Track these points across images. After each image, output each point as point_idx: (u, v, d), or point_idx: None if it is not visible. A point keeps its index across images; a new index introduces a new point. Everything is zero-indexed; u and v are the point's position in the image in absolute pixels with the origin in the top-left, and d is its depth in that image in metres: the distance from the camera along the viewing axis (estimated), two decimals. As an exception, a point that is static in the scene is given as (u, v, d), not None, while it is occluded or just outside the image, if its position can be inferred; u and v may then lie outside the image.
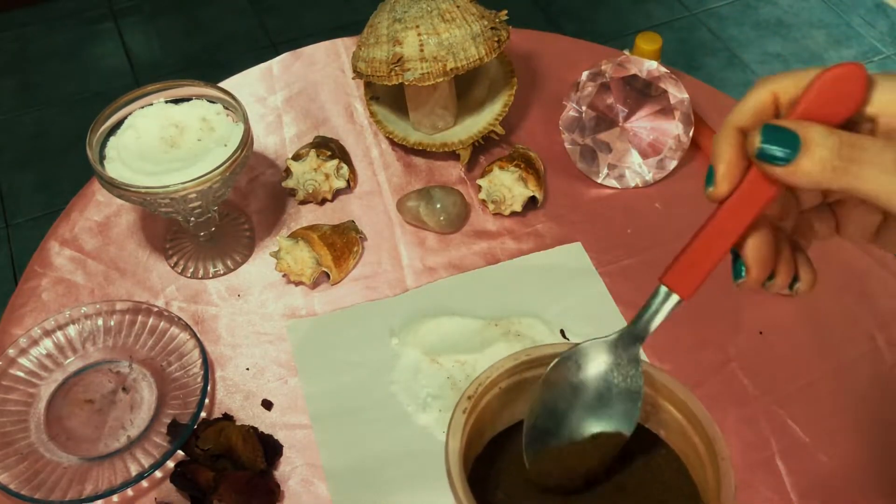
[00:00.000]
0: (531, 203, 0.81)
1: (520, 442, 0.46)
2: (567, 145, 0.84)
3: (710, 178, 0.36)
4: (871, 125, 0.34)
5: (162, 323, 0.70)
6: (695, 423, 0.46)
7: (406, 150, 0.87)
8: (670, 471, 0.48)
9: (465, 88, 0.86)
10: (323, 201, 0.83)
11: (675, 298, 0.39)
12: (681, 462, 0.48)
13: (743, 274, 0.37)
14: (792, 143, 0.32)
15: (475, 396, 0.46)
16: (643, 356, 0.68)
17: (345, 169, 0.82)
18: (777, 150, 0.32)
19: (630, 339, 0.42)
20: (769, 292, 0.38)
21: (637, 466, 0.48)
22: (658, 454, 0.49)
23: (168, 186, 0.65)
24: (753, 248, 0.36)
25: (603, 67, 0.81)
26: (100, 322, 0.71)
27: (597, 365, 0.43)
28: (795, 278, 0.38)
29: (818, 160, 0.32)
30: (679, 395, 0.47)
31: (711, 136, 0.84)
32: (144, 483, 0.63)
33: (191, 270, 0.77)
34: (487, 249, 0.78)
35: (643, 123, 0.82)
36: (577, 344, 0.43)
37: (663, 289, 0.39)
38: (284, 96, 0.94)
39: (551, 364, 0.44)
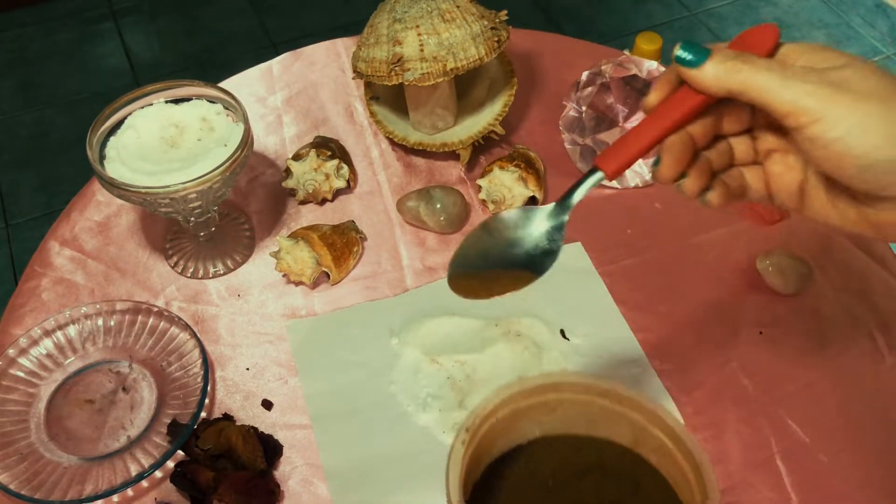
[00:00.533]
0: (531, 203, 0.81)
1: (518, 466, 0.49)
2: (567, 145, 0.84)
3: (646, 97, 0.46)
4: None
5: (162, 323, 0.70)
6: (683, 449, 0.48)
7: (406, 150, 0.87)
8: (660, 494, 0.50)
9: (465, 88, 0.86)
10: (323, 201, 0.83)
11: (599, 174, 0.45)
12: (670, 486, 0.50)
13: (657, 163, 0.44)
14: (703, 52, 0.42)
15: (473, 428, 0.48)
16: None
17: (345, 169, 0.82)
18: (690, 55, 0.42)
19: (560, 208, 0.47)
20: (682, 195, 0.44)
21: (628, 490, 0.50)
22: (649, 478, 0.50)
23: (168, 186, 0.65)
24: (669, 144, 0.44)
25: (603, 67, 0.81)
26: (100, 322, 0.71)
27: (530, 225, 0.48)
28: (708, 189, 0.45)
29: (718, 61, 0.41)
30: (667, 421, 0.48)
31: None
32: (144, 483, 0.63)
33: (191, 270, 0.77)
34: (487, 249, 0.78)
35: (643, 123, 0.82)
36: (518, 208, 0.50)
37: (594, 169, 0.46)
38: (284, 96, 0.94)
39: (495, 216, 0.49)
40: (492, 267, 0.49)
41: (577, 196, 0.47)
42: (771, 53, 0.43)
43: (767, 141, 0.45)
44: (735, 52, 0.42)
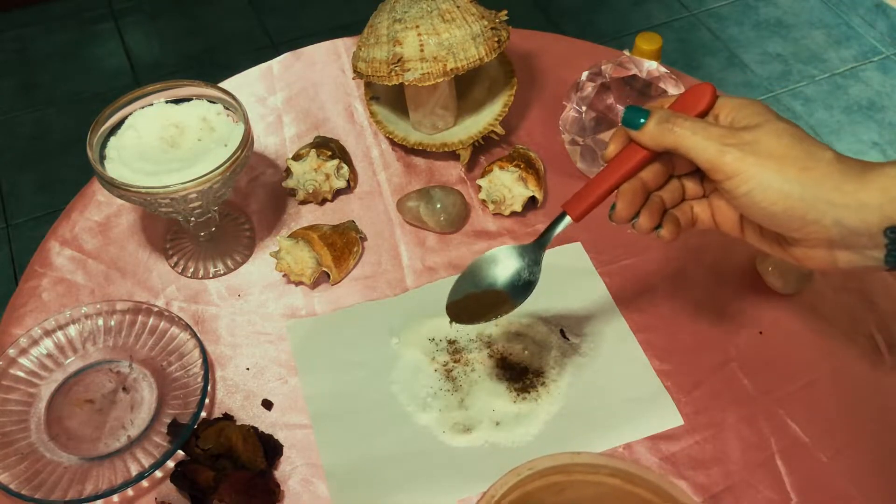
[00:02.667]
0: (531, 203, 0.81)
1: None
2: (567, 145, 0.84)
3: (605, 149, 0.54)
4: (714, 121, 0.50)
5: (162, 323, 0.70)
6: None
7: (406, 150, 0.87)
8: None
9: (465, 88, 0.86)
10: (323, 201, 0.83)
11: (568, 219, 0.54)
12: None
13: (613, 207, 0.52)
14: (642, 115, 0.50)
15: None
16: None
17: (345, 169, 0.82)
18: (633, 118, 0.50)
19: (538, 246, 0.57)
20: (638, 233, 0.52)
21: None
22: None
23: (168, 186, 0.65)
24: (623, 191, 0.52)
25: (603, 67, 0.81)
26: (100, 322, 0.71)
27: (512, 261, 0.58)
28: (659, 226, 0.52)
29: (654, 123, 0.49)
30: (681, 500, 0.48)
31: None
32: (145, 483, 0.63)
33: (191, 270, 0.77)
34: (487, 249, 0.78)
35: (643, 123, 0.82)
36: (504, 246, 0.59)
37: (563, 213, 0.54)
38: (284, 96, 0.94)
39: (484, 254, 0.59)
40: (481, 290, 0.58)
41: (550, 237, 0.56)
42: (707, 110, 0.50)
43: (711, 181, 0.50)
44: (669, 113, 0.49)
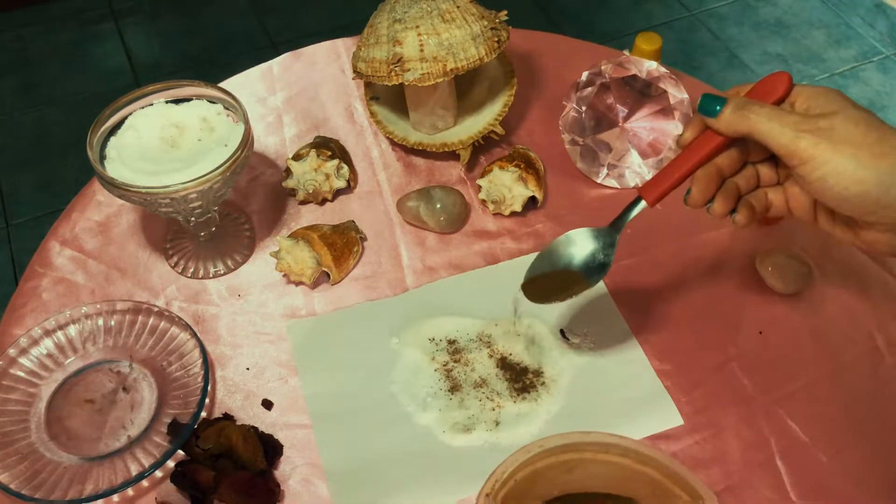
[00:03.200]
0: (531, 203, 0.81)
1: None
2: (567, 145, 0.84)
3: (680, 135, 0.55)
4: (790, 109, 0.51)
5: (162, 323, 0.70)
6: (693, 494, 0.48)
7: (406, 150, 0.87)
8: None
9: (465, 88, 0.86)
10: (323, 201, 0.83)
11: (643, 204, 0.56)
12: None
13: (689, 192, 0.53)
14: (719, 102, 0.51)
15: (493, 493, 0.47)
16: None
17: (345, 169, 0.82)
18: (709, 106, 0.51)
19: (612, 229, 0.59)
20: (713, 217, 0.53)
21: None
22: None
23: (168, 186, 0.65)
24: (698, 177, 0.53)
25: (603, 67, 0.81)
26: (100, 322, 0.71)
27: (588, 243, 0.60)
28: (734, 211, 0.53)
29: (731, 111, 0.50)
30: (688, 480, 0.48)
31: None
32: (145, 483, 0.63)
33: (191, 270, 0.77)
34: (487, 249, 0.78)
35: (643, 123, 0.82)
36: (580, 229, 0.61)
37: (638, 198, 0.56)
38: (284, 96, 0.94)
39: (561, 236, 0.61)
40: (558, 269, 0.61)
41: (624, 222, 0.58)
42: (783, 98, 0.51)
43: (786, 167, 0.51)
44: (745, 100, 0.50)
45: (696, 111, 0.53)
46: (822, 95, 0.49)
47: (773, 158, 0.53)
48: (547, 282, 0.61)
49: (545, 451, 0.49)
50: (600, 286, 0.74)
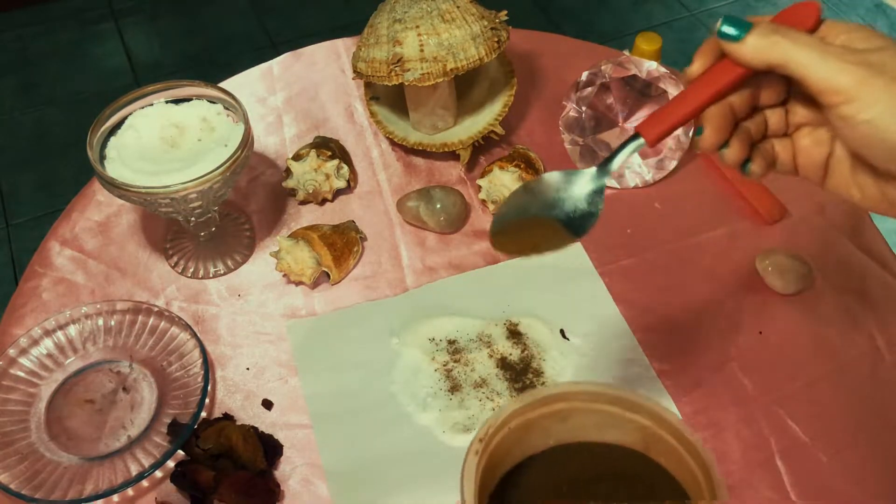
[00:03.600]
0: (531, 203, 0.81)
1: (532, 476, 0.50)
2: (567, 145, 0.84)
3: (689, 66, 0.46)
4: None
5: (162, 323, 0.70)
6: (691, 450, 0.48)
7: (406, 150, 0.87)
8: (672, 495, 0.50)
9: (465, 88, 0.86)
10: (323, 201, 0.83)
11: (640, 141, 0.46)
12: (681, 487, 0.50)
13: (700, 132, 0.45)
14: (744, 26, 0.42)
15: (486, 438, 0.48)
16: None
17: (345, 169, 0.82)
18: (731, 30, 0.42)
19: (601, 172, 0.48)
20: (725, 163, 0.45)
21: (642, 493, 0.51)
22: (660, 481, 0.51)
23: (168, 186, 0.65)
24: (710, 115, 0.44)
25: (603, 67, 0.81)
26: (100, 322, 0.71)
27: (571, 187, 0.49)
28: (749, 160, 0.45)
29: (759, 35, 0.42)
30: (675, 424, 0.49)
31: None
32: (145, 483, 0.63)
33: (191, 270, 0.77)
34: (487, 249, 0.78)
35: (643, 123, 0.82)
36: (559, 171, 0.50)
37: (636, 135, 0.46)
38: (284, 96, 0.94)
39: (538, 177, 0.50)
40: (528, 217, 0.50)
41: (617, 161, 0.47)
42: (812, 30, 0.43)
43: (799, 114, 0.46)
44: (776, 25, 0.42)
45: (712, 36, 0.44)
46: (861, 30, 0.42)
47: (784, 104, 0.47)
48: (518, 231, 0.50)
49: (537, 400, 0.50)
50: (600, 286, 0.74)
